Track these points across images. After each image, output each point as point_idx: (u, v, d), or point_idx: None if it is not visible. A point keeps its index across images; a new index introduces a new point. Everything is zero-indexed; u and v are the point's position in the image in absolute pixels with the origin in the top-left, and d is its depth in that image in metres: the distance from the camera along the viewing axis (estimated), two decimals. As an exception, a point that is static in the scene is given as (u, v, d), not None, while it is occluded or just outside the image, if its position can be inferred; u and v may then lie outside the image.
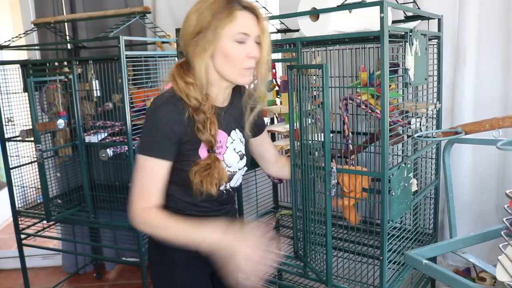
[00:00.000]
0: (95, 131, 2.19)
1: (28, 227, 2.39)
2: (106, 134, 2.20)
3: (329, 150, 1.22)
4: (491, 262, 1.29)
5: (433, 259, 1.64)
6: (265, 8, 1.86)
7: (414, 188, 1.39)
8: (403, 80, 1.28)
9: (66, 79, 2.12)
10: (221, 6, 1.07)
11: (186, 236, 1.07)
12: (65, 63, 2.24)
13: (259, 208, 1.99)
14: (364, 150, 1.72)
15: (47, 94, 2.24)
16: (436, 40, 1.62)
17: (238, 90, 1.27)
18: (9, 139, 2.29)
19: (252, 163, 1.38)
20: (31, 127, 2.14)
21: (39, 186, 2.15)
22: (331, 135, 1.64)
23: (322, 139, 1.22)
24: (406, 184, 1.31)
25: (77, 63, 2.17)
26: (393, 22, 1.62)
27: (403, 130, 1.37)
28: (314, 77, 1.27)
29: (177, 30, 1.64)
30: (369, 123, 1.49)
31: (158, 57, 2.28)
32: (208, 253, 1.09)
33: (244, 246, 1.02)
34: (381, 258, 1.26)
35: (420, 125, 1.44)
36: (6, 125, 2.27)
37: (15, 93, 2.32)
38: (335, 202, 1.33)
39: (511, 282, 0.91)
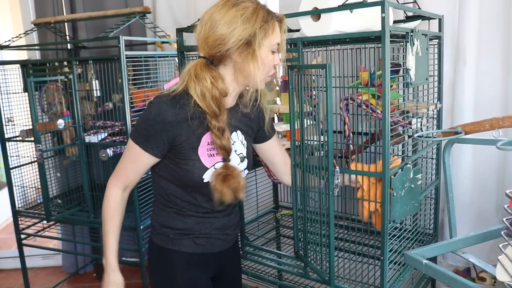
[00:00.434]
0: (95, 131, 2.19)
1: (28, 227, 2.39)
2: (106, 134, 2.20)
3: (332, 150, 1.22)
4: (491, 262, 1.28)
5: (433, 259, 1.64)
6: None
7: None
8: (404, 80, 1.29)
9: (66, 79, 2.12)
10: (265, 17, 1.10)
11: (104, 237, 1.18)
12: (65, 63, 2.24)
13: (259, 208, 2.00)
14: (365, 150, 1.72)
15: (47, 94, 2.24)
16: (437, 40, 1.62)
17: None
18: (9, 139, 2.29)
19: (252, 164, 1.38)
20: (31, 127, 2.15)
21: (39, 186, 2.15)
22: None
23: (326, 139, 1.22)
24: (413, 185, 1.30)
25: (77, 63, 2.17)
26: (394, 22, 1.62)
27: (403, 130, 1.37)
28: (313, 77, 1.27)
29: (177, 30, 1.65)
30: (370, 123, 1.49)
31: (158, 57, 2.28)
32: (208, 256, 1.10)
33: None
34: (382, 258, 1.26)
35: (421, 125, 1.44)
36: (6, 125, 2.27)
37: (15, 93, 2.32)
38: (361, 208, 1.31)
39: (511, 282, 0.91)
